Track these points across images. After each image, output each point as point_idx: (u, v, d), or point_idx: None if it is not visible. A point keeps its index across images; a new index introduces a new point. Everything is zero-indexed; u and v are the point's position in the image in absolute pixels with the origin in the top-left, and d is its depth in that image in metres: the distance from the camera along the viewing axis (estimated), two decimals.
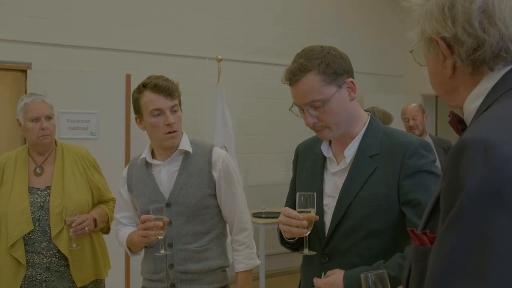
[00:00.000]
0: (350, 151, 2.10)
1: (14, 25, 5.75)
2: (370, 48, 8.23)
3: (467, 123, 1.23)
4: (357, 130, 2.12)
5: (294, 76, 2.04)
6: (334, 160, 2.17)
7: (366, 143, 2.09)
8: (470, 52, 1.16)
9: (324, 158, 2.19)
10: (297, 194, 2.09)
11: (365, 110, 2.22)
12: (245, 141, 7.10)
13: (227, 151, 5.93)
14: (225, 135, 6.26)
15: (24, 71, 5.79)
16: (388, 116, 5.36)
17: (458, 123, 1.26)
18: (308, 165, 2.27)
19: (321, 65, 2.01)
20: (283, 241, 2.27)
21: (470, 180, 0.97)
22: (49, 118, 3.20)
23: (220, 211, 2.78)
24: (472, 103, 1.20)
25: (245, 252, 2.79)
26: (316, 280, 2.07)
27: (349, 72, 2.08)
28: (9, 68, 5.92)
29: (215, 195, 2.73)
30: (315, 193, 2.07)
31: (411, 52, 1.37)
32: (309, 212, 2.05)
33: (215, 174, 2.71)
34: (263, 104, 7.38)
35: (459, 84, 1.23)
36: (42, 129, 3.15)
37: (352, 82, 2.08)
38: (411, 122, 5.39)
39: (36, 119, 3.16)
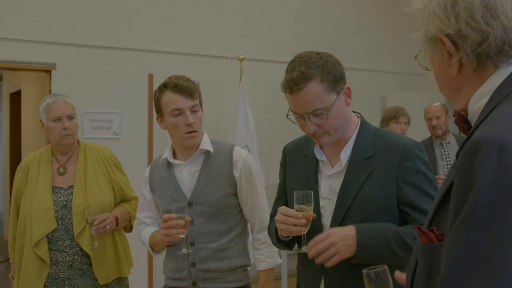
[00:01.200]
0: (345, 153, 2.13)
1: (38, 26, 5.81)
2: (391, 46, 8.18)
3: (472, 122, 1.24)
4: (350, 132, 2.15)
5: (296, 84, 2.01)
6: (328, 162, 2.18)
7: (360, 145, 2.12)
8: (475, 46, 1.18)
9: (316, 160, 2.20)
10: (295, 192, 2.08)
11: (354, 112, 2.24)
12: (267, 141, 7.10)
13: (249, 151, 5.97)
14: (247, 134, 6.26)
15: (48, 72, 5.85)
16: (392, 111, 5.31)
17: (463, 123, 1.28)
18: (299, 167, 2.27)
19: (323, 73, 2.01)
20: (277, 239, 2.27)
21: (483, 179, 0.98)
22: (71, 118, 3.23)
23: (241, 210, 2.79)
24: (477, 102, 1.21)
25: (266, 251, 2.79)
26: (322, 236, 2.00)
27: (344, 79, 2.09)
28: (33, 68, 5.98)
29: (236, 194, 2.74)
30: (312, 191, 2.07)
31: (415, 58, 1.39)
32: (307, 210, 2.05)
33: (236, 174, 2.72)
34: (285, 104, 7.33)
35: (465, 83, 1.24)
36: (64, 129, 3.19)
37: (348, 88, 2.10)
38: (434, 122, 5.33)
39: (58, 119, 3.19)
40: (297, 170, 2.28)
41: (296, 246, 2.24)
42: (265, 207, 2.81)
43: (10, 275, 3.38)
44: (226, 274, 2.71)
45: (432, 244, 1.14)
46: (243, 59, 6.41)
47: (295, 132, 7.63)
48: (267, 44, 7.22)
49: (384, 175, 2.04)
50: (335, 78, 2.02)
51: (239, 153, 2.77)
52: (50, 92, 5.56)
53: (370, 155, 2.09)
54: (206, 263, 2.68)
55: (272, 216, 2.44)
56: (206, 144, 2.75)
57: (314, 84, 2.00)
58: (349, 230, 1.98)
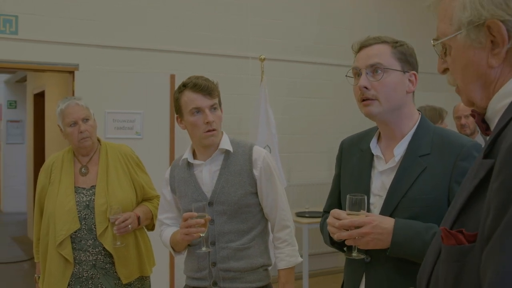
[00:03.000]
0: (400, 149, 2.07)
1: (62, 27, 5.87)
2: (412, 45, 8.12)
3: (491, 122, 1.19)
4: (408, 127, 2.10)
5: (367, 41, 2.10)
6: (382, 158, 2.13)
7: (416, 142, 2.06)
8: None
9: (372, 155, 2.15)
10: (347, 196, 2.02)
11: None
12: (288, 141, 7.10)
13: (270, 151, 5.97)
14: (268, 134, 6.26)
15: (71, 72, 5.90)
16: (437, 112, 5.23)
17: (482, 122, 1.23)
18: (353, 162, 2.22)
19: (396, 44, 2.10)
20: (331, 241, 2.22)
21: None
22: (86, 120, 3.25)
23: (261, 209, 2.79)
24: (499, 101, 1.16)
25: (287, 250, 2.79)
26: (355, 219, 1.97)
27: (415, 68, 2.14)
28: (57, 69, 6.04)
29: (256, 193, 2.74)
30: (365, 196, 2.01)
31: (434, 45, 1.31)
32: (359, 216, 1.99)
33: (256, 173, 2.72)
34: (306, 103, 7.36)
35: (499, 77, 1.17)
36: (81, 132, 3.20)
37: (415, 75, 2.12)
38: (463, 121, 5.30)
39: (74, 123, 3.21)
40: (351, 165, 2.24)
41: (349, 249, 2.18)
42: (286, 205, 2.81)
43: (36, 275, 3.42)
44: (247, 274, 2.71)
45: (462, 246, 1.08)
46: (264, 59, 6.41)
47: (315, 132, 7.59)
48: (288, 44, 7.22)
49: (438, 174, 1.97)
50: (405, 56, 2.09)
51: (259, 152, 2.77)
52: (73, 93, 5.63)
53: (425, 153, 2.02)
54: (227, 262, 2.69)
55: (326, 211, 2.38)
56: (225, 143, 2.76)
57: (384, 46, 2.09)
58: (388, 224, 1.95)
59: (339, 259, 7.11)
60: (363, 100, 2.06)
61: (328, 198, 2.40)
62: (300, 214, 6.40)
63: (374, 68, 2.04)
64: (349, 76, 2.13)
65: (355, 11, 7.78)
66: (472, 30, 1.18)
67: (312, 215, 6.34)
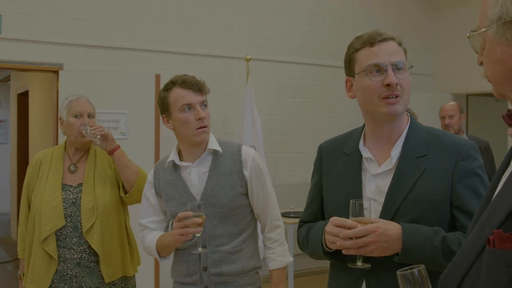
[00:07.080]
0: (396, 151, 2.00)
1: (46, 26, 5.83)
2: None
3: None
4: (401, 128, 2.04)
5: (380, 35, 1.98)
6: (374, 160, 2.03)
7: (411, 143, 1.99)
8: None
9: (360, 158, 2.06)
10: (351, 202, 1.90)
11: None
12: (273, 141, 7.10)
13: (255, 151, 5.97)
14: (253, 135, 6.27)
15: (56, 72, 5.87)
16: None
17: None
18: (338, 166, 2.11)
19: (399, 41, 2.04)
20: (323, 251, 2.05)
21: None
22: (91, 116, 3.28)
23: (252, 210, 2.75)
24: None
25: (279, 250, 2.76)
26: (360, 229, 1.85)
27: None
28: (41, 69, 6.01)
29: (247, 194, 2.69)
30: (371, 201, 1.94)
31: (469, 37, 1.29)
32: (366, 223, 1.87)
33: (246, 173, 2.67)
34: (291, 104, 7.37)
35: None
36: (83, 124, 3.21)
37: None
38: (447, 121, 5.34)
39: (79, 115, 3.23)
40: (336, 169, 2.12)
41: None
42: (276, 205, 2.79)
43: (19, 271, 3.39)
44: (239, 277, 2.66)
45: None
46: (249, 59, 6.41)
47: (301, 132, 7.59)
48: (274, 44, 7.23)
49: (438, 175, 1.92)
50: (405, 52, 2.04)
51: (248, 152, 2.73)
52: (57, 92, 5.59)
53: (422, 154, 1.96)
54: (219, 266, 2.62)
55: (305, 222, 2.28)
56: (213, 144, 2.69)
57: (395, 42, 2.01)
58: (394, 231, 1.86)
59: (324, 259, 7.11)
60: (388, 98, 1.95)
61: (306, 208, 2.29)
62: (285, 214, 6.39)
63: (397, 65, 1.97)
64: (370, 73, 1.98)
65: (343, 11, 7.81)
66: (500, 26, 1.17)
67: (297, 215, 6.33)
